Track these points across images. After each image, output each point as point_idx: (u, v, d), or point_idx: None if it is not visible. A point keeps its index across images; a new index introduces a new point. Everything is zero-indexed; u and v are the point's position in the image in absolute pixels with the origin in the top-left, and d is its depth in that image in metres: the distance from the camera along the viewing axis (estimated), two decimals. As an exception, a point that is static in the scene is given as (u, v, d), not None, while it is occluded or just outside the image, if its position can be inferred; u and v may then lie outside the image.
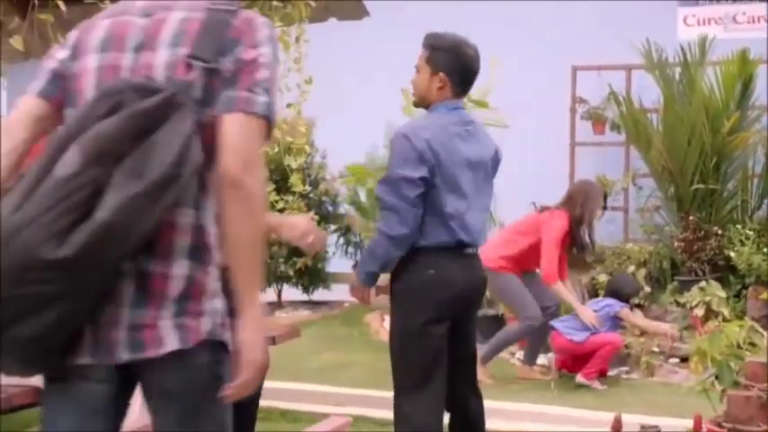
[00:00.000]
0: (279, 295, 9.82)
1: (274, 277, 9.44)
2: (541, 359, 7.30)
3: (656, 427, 4.23)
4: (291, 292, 9.90)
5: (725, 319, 7.07)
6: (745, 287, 7.96)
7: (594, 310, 6.90)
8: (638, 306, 8.02)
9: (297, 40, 5.32)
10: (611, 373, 7.08)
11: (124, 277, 2.05)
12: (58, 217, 1.90)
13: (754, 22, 9.30)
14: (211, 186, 2.12)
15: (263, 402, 3.95)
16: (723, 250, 8.25)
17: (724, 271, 8.24)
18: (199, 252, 2.11)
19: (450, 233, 3.98)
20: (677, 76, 8.78)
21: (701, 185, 8.54)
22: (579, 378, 6.79)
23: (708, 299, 7.58)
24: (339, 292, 9.83)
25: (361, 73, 10.05)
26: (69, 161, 1.94)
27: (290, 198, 7.12)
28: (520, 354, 7.45)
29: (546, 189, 9.42)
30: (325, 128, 9.39)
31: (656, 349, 7.36)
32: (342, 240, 10.18)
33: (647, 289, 8.27)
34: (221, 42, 2.13)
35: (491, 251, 4.40)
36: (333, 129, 9.53)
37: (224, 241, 2.11)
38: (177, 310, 2.08)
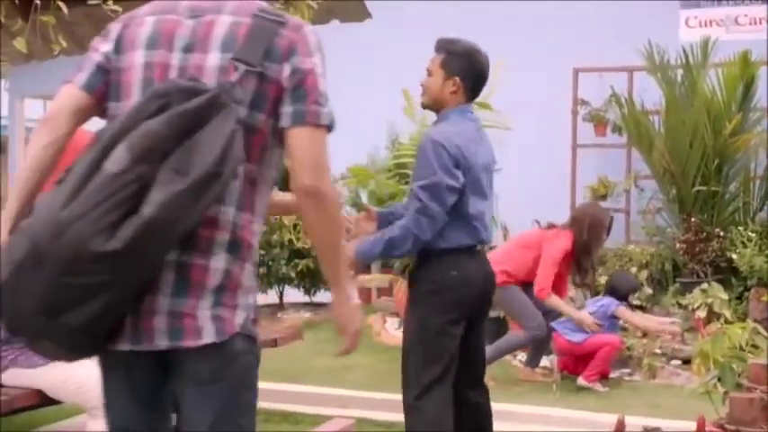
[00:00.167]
0: (280, 297, 9.82)
1: (276, 279, 9.44)
2: (543, 361, 7.30)
3: (659, 428, 4.23)
4: (293, 294, 9.89)
5: (727, 321, 7.07)
6: (746, 289, 7.96)
7: (591, 312, 6.93)
8: (640, 308, 8.02)
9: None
10: (613, 375, 7.09)
11: (164, 267, 2.14)
12: (107, 212, 1.98)
13: (755, 23, 9.30)
14: (258, 186, 2.26)
15: (264, 404, 3.95)
16: (725, 252, 8.25)
17: (726, 273, 8.24)
18: (237, 247, 2.22)
19: (472, 234, 4.11)
20: (679, 78, 8.78)
21: (703, 187, 8.53)
22: (581, 381, 6.79)
23: (710, 301, 7.57)
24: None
25: (362, 74, 10.04)
26: (118, 158, 2.02)
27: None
28: (522, 356, 7.46)
29: (547, 191, 9.46)
30: (326, 129, 9.38)
31: (658, 351, 7.36)
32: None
33: (649, 291, 8.27)
34: (270, 49, 2.22)
35: (493, 265, 4.44)
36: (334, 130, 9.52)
37: (311, 240, 2.36)
38: (215, 301, 2.18)
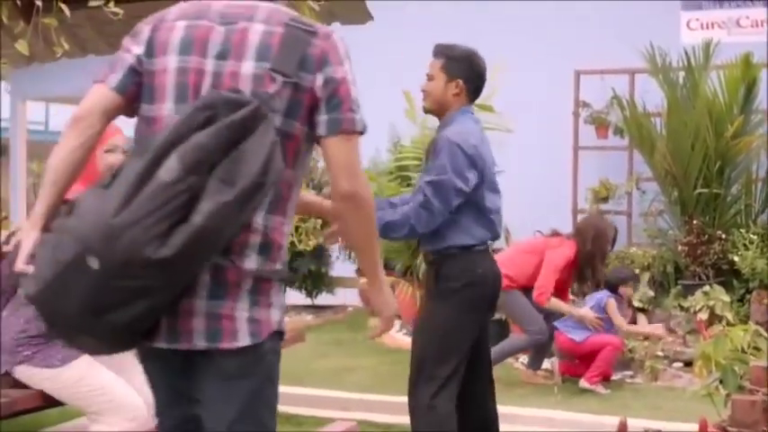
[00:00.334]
0: (282, 299, 9.80)
1: (277, 281, 9.42)
2: (545, 364, 7.30)
3: (660, 431, 4.23)
4: (295, 297, 9.89)
5: (729, 324, 7.05)
6: (748, 291, 7.95)
7: (590, 307, 7.00)
8: (642, 310, 8.02)
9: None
10: (615, 377, 7.08)
11: (201, 272, 2.25)
12: (160, 220, 2.08)
13: (757, 25, 9.30)
14: (291, 189, 2.36)
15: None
16: (727, 254, 8.24)
17: (728, 275, 8.24)
18: (268, 249, 2.31)
19: (489, 227, 4.23)
20: (681, 80, 8.78)
21: (705, 189, 8.53)
22: (583, 382, 6.79)
23: (712, 303, 7.56)
24: (343, 297, 9.84)
25: (362, 75, 9.98)
26: (171, 169, 2.11)
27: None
28: (524, 358, 7.46)
29: (549, 193, 9.46)
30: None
31: (660, 353, 7.36)
32: (345, 244, 10.18)
33: (651, 293, 8.26)
34: (304, 59, 2.31)
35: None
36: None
37: (349, 238, 2.58)
38: (251, 302, 2.29)
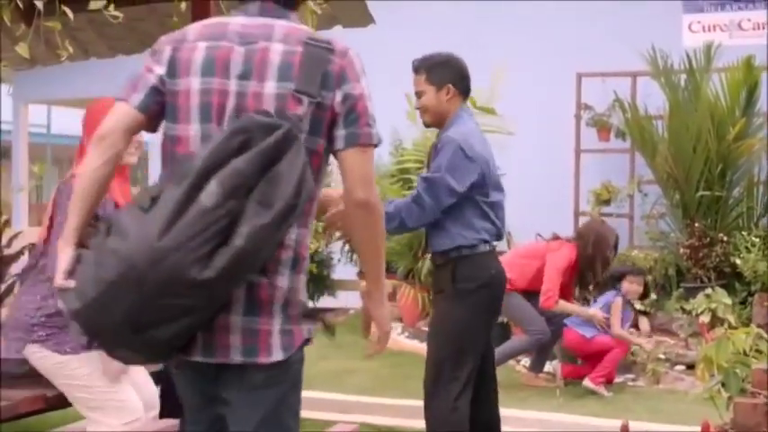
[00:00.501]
0: (284, 302, 9.81)
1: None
2: (546, 367, 7.30)
3: (662, 434, 4.23)
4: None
5: (731, 326, 7.05)
6: (750, 294, 7.95)
7: (599, 307, 7.04)
8: (644, 313, 8.02)
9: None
10: (617, 380, 7.09)
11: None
12: (203, 243, 2.18)
13: (759, 28, 9.30)
14: (313, 202, 2.46)
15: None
16: (729, 257, 8.24)
17: (730, 278, 8.23)
18: (297, 263, 2.43)
19: (495, 224, 4.30)
20: (682, 83, 8.78)
21: (707, 192, 8.53)
22: (586, 382, 6.80)
23: (713, 306, 7.55)
24: (345, 300, 9.84)
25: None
26: (211, 194, 2.20)
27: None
28: (525, 361, 7.46)
29: (551, 196, 9.46)
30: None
31: (662, 356, 7.36)
32: (347, 247, 10.18)
33: (653, 296, 8.25)
34: (325, 77, 2.40)
35: None
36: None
37: (357, 245, 2.58)
38: (284, 317, 2.40)
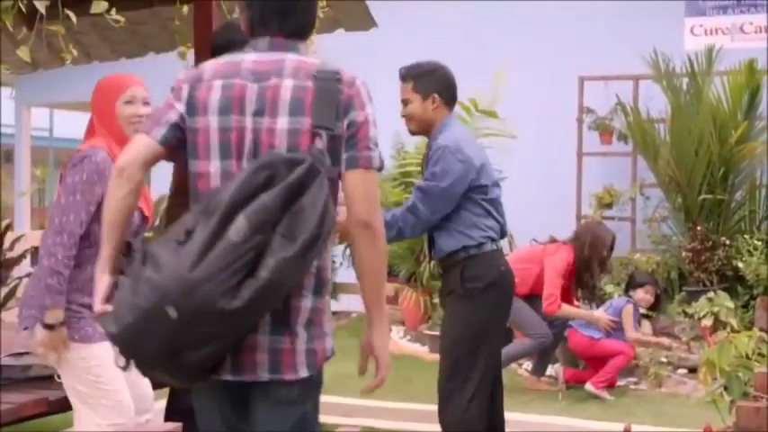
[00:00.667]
0: (286, 306, 9.80)
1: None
2: (549, 370, 7.29)
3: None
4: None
5: (733, 330, 7.05)
6: (753, 297, 7.93)
7: (607, 311, 7.05)
8: (647, 317, 8.01)
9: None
10: (619, 383, 7.08)
11: None
12: (231, 276, 2.31)
13: (760, 32, 9.29)
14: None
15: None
16: (731, 261, 8.23)
17: (732, 281, 8.22)
18: (320, 286, 2.56)
19: (498, 222, 4.35)
20: (684, 86, 8.77)
21: (709, 196, 8.52)
22: (588, 386, 6.79)
23: (716, 309, 7.55)
24: (347, 303, 9.83)
25: (364, 80, 10.02)
26: (239, 229, 2.34)
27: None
28: (528, 365, 7.45)
29: (553, 199, 9.45)
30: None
31: (664, 360, 7.35)
32: (348, 251, 10.18)
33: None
34: (337, 110, 2.52)
35: None
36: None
37: (358, 269, 2.60)
38: (308, 336, 2.55)
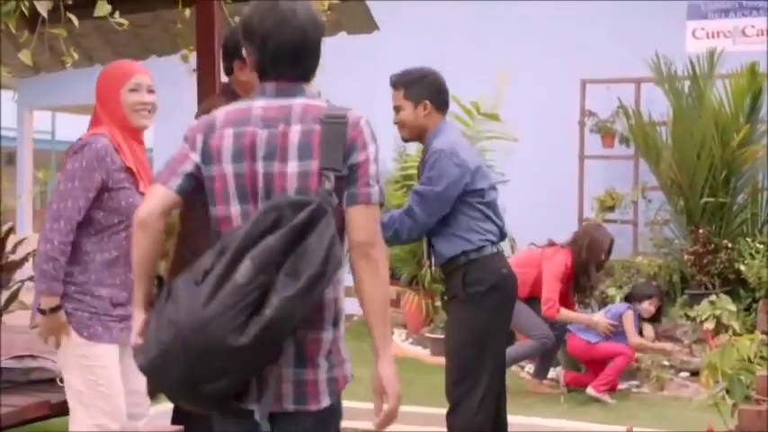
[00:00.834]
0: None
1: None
2: (551, 373, 7.29)
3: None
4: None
5: (735, 333, 7.04)
6: (755, 300, 7.92)
7: (607, 315, 7.05)
8: (649, 320, 8.00)
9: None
10: (621, 386, 7.08)
11: (286, 343, 2.60)
12: (238, 314, 2.44)
13: (762, 35, 9.29)
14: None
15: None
16: (733, 264, 8.22)
17: (734, 284, 8.21)
18: (338, 318, 2.73)
19: (497, 224, 4.37)
20: (686, 90, 8.78)
21: (711, 199, 8.52)
22: (590, 390, 6.79)
23: (718, 312, 7.55)
24: (348, 306, 9.83)
25: (366, 83, 10.00)
26: (244, 271, 2.47)
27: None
28: (530, 368, 7.45)
29: (555, 202, 9.45)
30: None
31: (666, 363, 7.35)
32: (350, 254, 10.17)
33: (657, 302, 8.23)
34: (344, 152, 2.62)
35: None
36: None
37: (362, 301, 2.71)
38: (329, 366, 2.70)
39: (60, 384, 3.84)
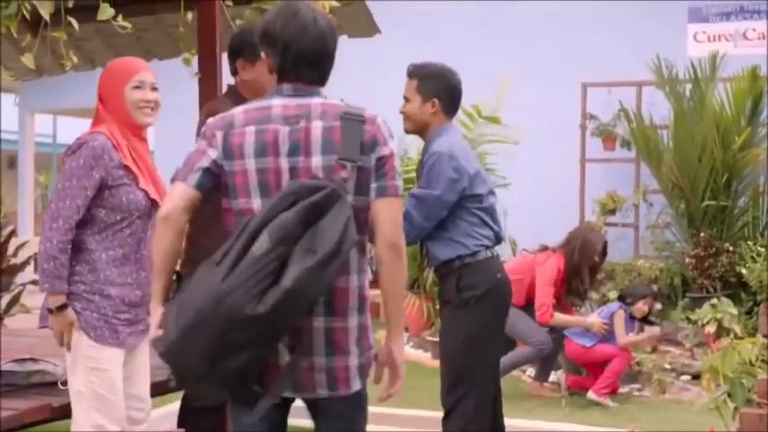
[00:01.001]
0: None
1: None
2: (552, 377, 7.29)
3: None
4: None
5: (736, 336, 7.04)
6: (756, 304, 7.93)
7: (600, 315, 7.05)
8: (651, 323, 8.00)
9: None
10: (622, 390, 7.07)
11: (315, 333, 2.77)
12: (256, 284, 2.54)
13: (763, 38, 9.30)
14: (365, 250, 2.84)
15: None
16: (734, 267, 8.23)
17: (735, 288, 8.22)
18: (363, 304, 2.85)
19: (494, 229, 4.35)
20: (687, 93, 8.78)
21: (712, 202, 8.52)
22: (590, 394, 6.79)
23: (719, 316, 7.55)
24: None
25: (366, 85, 10.03)
26: (262, 244, 2.58)
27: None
28: (531, 371, 7.45)
29: (556, 205, 9.45)
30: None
31: (667, 366, 7.35)
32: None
33: (658, 306, 8.24)
34: (362, 145, 2.77)
35: None
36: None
37: (383, 285, 2.81)
38: (359, 352, 2.82)
39: (62, 388, 3.84)
